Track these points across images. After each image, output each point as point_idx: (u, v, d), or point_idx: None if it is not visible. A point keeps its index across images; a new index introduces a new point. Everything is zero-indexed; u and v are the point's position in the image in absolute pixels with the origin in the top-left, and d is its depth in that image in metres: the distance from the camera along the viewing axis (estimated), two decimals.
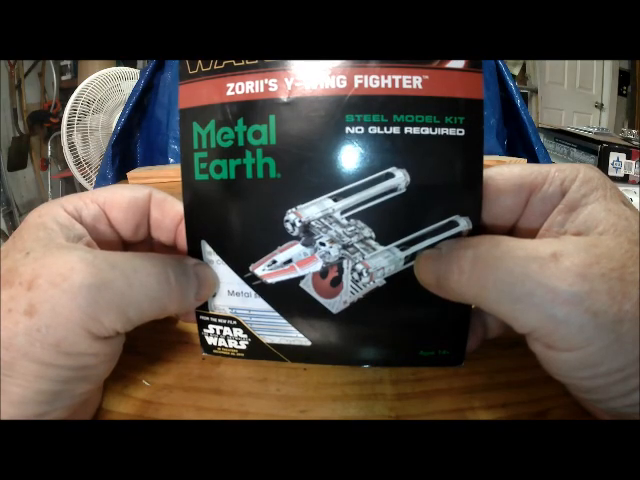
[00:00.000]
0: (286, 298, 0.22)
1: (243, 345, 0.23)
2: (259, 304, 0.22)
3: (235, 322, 0.22)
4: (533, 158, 0.71)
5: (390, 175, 0.19)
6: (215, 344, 0.23)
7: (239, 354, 0.23)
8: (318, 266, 0.21)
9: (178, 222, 0.22)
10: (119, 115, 0.81)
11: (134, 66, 1.75)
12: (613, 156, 1.12)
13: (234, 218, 0.21)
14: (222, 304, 0.22)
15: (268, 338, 0.22)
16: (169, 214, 0.22)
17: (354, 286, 0.21)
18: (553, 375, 0.18)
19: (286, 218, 0.20)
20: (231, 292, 0.22)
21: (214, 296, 0.22)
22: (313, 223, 0.20)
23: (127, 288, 0.17)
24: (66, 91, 2.16)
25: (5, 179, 2.23)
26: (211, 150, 0.20)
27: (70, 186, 2.22)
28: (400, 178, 0.19)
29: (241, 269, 0.21)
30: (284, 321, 0.22)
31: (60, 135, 1.39)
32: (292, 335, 0.22)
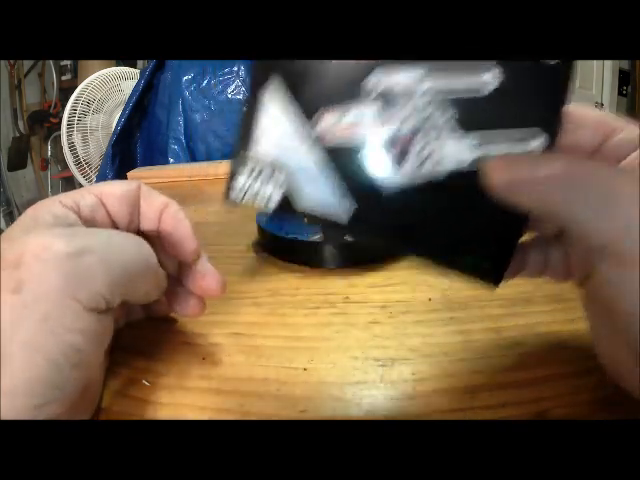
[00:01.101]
0: (339, 162, 0.20)
1: (274, 201, 0.20)
2: (308, 162, 0.20)
3: (274, 174, 0.20)
4: None
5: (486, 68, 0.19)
6: (243, 193, 0.21)
7: (265, 208, 0.21)
8: (385, 137, 0.19)
9: (160, 211, 0.23)
10: (119, 115, 0.81)
11: (134, 66, 1.75)
12: None
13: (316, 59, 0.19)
14: (266, 151, 0.20)
15: (305, 202, 0.20)
16: (153, 204, 0.23)
17: (415, 169, 0.19)
18: (614, 310, 0.17)
19: (369, 77, 0.19)
20: (281, 141, 0.20)
21: (259, 143, 0.20)
22: (395, 90, 0.19)
23: (107, 249, 0.18)
24: (66, 91, 2.16)
25: (5, 179, 2.23)
26: None
27: (70, 186, 2.22)
28: (495, 73, 0.19)
29: (305, 115, 0.20)
30: (328, 187, 0.20)
31: (60, 135, 1.39)
32: (331, 205, 0.20)
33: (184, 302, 0.24)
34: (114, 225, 0.22)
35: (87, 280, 0.17)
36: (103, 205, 0.22)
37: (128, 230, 0.23)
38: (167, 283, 0.23)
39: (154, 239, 0.23)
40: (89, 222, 0.21)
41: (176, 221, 0.22)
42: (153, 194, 0.23)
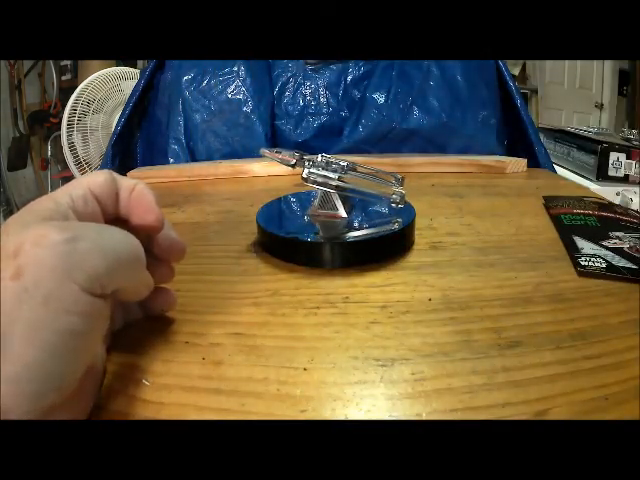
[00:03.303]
0: None
1: None
2: None
3: None
4: (533, 158, 0.71)
5: None
6: None
7: None
8: None
9: (130, 191, 0.24)
10: (119, 115, 0.81)
11: (134, 66, 1.75)
12: (613, 156, 1.12)
13: None
14: None
15: None
16: (124, 185, 0.24)
17: None
18: None
19: None
20: None
21: None
22: None
23: (99, 237, 0.19)
24: (66, 91, 2.16)
25: (5, 179, 2.24)
26: None
27: None
28: None
29: None
30: None
31: (60, 135, 1.39)
32: None
33: (156, 272, 0.25)
34: (104, 211, 0.23)
35: (83, 262, 0.18)
36: (92, 193, 0.23)
37: (115, 214, 0.24)
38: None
39: (135, 233, 0.24)
40: (82, 211, 0.22)
41: (141, 195, 0.24)
42: (124, 178, 0.25)
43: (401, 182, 0.37)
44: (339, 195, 0.36)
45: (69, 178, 2.09)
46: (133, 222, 0.24)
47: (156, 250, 0.25)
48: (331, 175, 0.35)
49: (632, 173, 1.10)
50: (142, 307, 0.27)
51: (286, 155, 0.37)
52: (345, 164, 0.37)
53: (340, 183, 0.35)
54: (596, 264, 0.32)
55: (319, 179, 0.35)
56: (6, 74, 2.30)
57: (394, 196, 0.34)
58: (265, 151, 0.38)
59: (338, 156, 0.40)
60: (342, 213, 0.36)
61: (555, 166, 0.76)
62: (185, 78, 0.75)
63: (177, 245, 0.26)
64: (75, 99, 1.34)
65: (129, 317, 0.26)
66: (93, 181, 0.23)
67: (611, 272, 0.31)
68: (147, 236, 0.25)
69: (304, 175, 0.35)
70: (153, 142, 0.81)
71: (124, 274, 0.21)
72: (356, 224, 0.36)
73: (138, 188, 0.24)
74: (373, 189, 0.35)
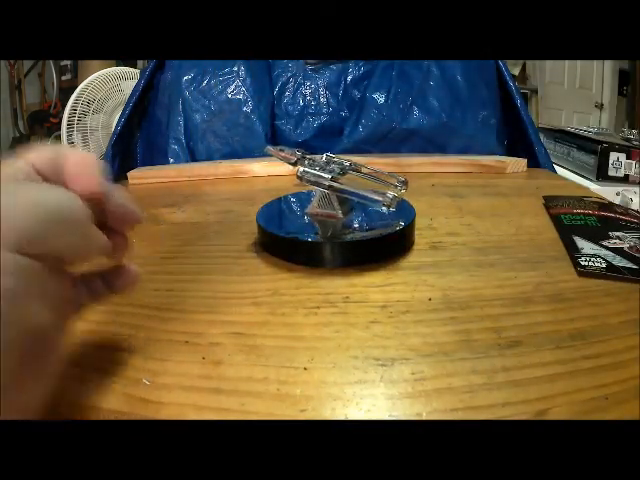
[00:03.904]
0: None
1: None
2: None
3: None
4: (533, 158, 0.71)
5: None
6: None
7: None
8: None
9: (74, 163, 0.24)
10: (119, 115, 0.81)
11: (134, 66, 1.75)
12: (613, 156, 1.13)
13: None
14: None
15: None
16: (69, 159, 0.24)
17: None
18: None
19: None
20: None
21: None
22: None
23: (25, 194, 0.19)
24: (66, 91, 2.16)
25: None
26: None
27: None
28: None
29: None
30: None
31: (60, 135, 1.39)
32: None
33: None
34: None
35: (4, 220, 0.17)
36: (34, 167, 0.23)
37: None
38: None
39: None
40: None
41: (83, 165, 0.23)
42: (70, 151, 0.24)
43: (404, 185, 0.37)
44: (337, 195, 0.36)
45: None
46: (77, 191, 0.23)
47: (109, 219, 0.25)
48: (325, 175, 0.34)
49: (632, 173, 1.10)
50: (105, 284, 0.25)
51: (288, 153, 0.37)
52: (347, 164, 0.37)
53: (333, 183, 0.34)
54: (596, 264, 0.33)
55: (312, 178, 0.35)
56: (6, 74, 2.31)
57: (386, 199, 0.32)
58: (269, 148, 0.39)
59: (342, 156, 0.40)
60: (339, 214, 0.36)
61: (555, 166, 0.76)
62: (185, 78, 0.75)
63: (131, 213, 0.25)
64: (75, 99, 1.34)
65: (93, 293, 0.25)
66: (36, 155, 0.23)
67: (611, 272, 0.31)
68: (101, 208, 0.24)
69: (298, 173, 0.35)
70: (153, 142, 0.81)
71: (58, 231, 0.20)
72: (356, 224, 0.36)
73: (80, 158, 0.24)
74: (367, 191, 0.34)
